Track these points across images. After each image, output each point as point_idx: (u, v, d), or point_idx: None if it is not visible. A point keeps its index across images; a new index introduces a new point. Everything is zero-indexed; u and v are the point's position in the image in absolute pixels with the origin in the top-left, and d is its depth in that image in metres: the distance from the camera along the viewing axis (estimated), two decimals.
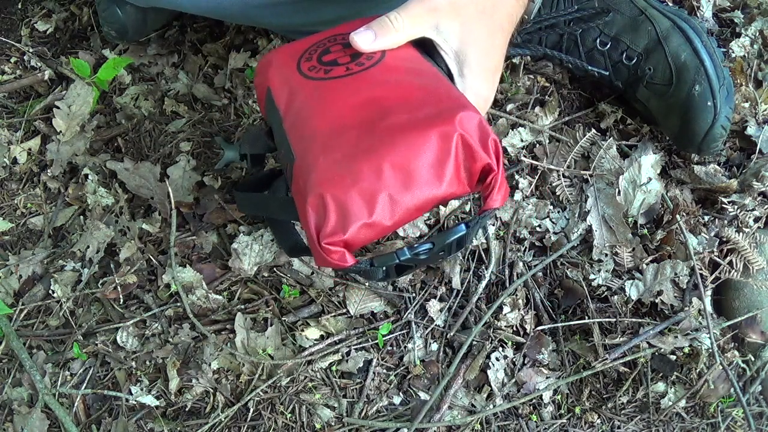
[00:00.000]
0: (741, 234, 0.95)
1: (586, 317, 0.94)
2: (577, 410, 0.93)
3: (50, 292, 0.98)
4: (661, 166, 1.00)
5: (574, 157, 1.01)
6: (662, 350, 0.92)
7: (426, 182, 0.59)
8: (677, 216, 0.95)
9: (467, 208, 0.98)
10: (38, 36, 1.20)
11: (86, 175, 1.03)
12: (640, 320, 0.93)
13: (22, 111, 1.12)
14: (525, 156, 1.01)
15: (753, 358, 0.93)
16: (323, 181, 0.58)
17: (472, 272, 0.96)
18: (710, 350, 0.90)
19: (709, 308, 0.93)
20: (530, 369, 0.93)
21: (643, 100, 0.98)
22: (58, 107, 1.08)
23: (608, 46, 0.97)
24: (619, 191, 0.97)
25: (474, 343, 0.94)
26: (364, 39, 0.67)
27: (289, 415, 0.91)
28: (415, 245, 0.63)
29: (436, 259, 0.72)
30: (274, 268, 0.97)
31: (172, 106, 1.10)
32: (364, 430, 0.91)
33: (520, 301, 0.95)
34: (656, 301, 0.93)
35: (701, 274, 0.93)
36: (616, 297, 0.94)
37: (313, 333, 0.94)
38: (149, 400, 0.92)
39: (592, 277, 0.95)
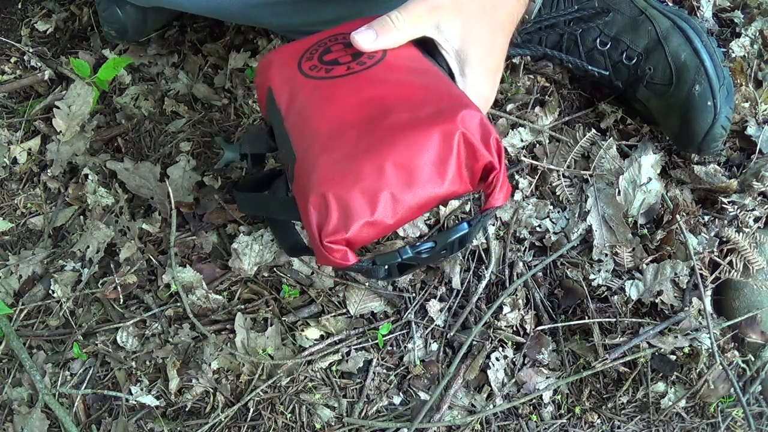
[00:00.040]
0: (741, 234, 0.95)
1: (586, 317, 0.94)
2: (577, 410, 0.93)
3: (50, 292, 0.98)
4: (661, 166, 1.00)
5: (574, 157, 1.01)
6: (662, 350, 0.92)
7: (428, 181, 0.59)
8: (677, 216, 0.95)
9: (467, 208, 0.98)
10: (38, 36, 1.20)
11: (86, 175, 1.03)
12: (640, 320, 0.93)
13: (22, 111, 1.12)
14: (525, 156, 1.02)
15: (753, 358, 0.93)
16: (325, 180, 0.58)
17: (472, 272, 0.96)
18: (710, 350, 0.90)
19: (709, 308, 0.93)
20: (530, 369, 0.93)
21: (643, 100, 0.98)
22: (58, 107, 1.08)
23: (608, 46, 0.97)
24: (619, 191, 0.97)
25: (474, 343, 0.94)
26: (366, 38, 0.67)
27: (289, 415, 0.91)
28: (418, 244, 0.63)
29: (439, 258, 0.72)
30: (274, 268, 0.97)
31: (172, 106, 1.10)
32: (364, 430, 0.91)
33: (520, 301, 0.95)
34: (656, 301, 0.93)
35: (701, 274, 0.93)
36: (616, 297, 0.94)
37: (313, 333, 0.94)
38: (149, 400, 0.92)
39: (592, 277, 0.95)
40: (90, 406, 0.95)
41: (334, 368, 0.94)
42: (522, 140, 1.02)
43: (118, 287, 0.97)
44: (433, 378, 0.93)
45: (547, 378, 0.93)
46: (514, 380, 0.93)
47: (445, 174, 0.59)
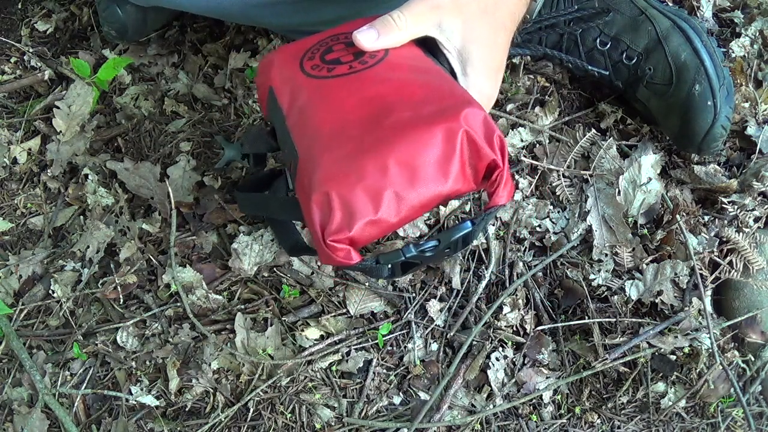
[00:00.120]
0: (741, 234, 0.95)
1: (586, 317, 0.94)
2: (577, 410, 0.93)
3: (50, 292, 0.98)
4: (661, 166, 1.00)
5: (574, 157, 1.01)
6: (662, 350, 0.92)
7: (431, 179, 0.59)
8: (677, 216, 0.95)
9: (467, 208, 0.98)
10: (38, 36, 1.20)
11: (86, 175, 1.03)
12: (640, 320, 0.93)
13: (22, 111, 1.12)
14: (525, 156, 1.02)
15: (753, 358, 0.93)
16: (328, 179, 0.58)
17: (472, 272, 0.96)
18: (710, 350, 0.90)
19: (709, 308, 0.93)
20: (530, 369, 0.93)
21: (643, 100, 0.98)
22: (58, 107, 1.08)
23: (608, 45, 0.98)
24: (619, 191, 0.97)
25: (474, 343, 0.94)
26: (367, 37, 0.67)
27: (289, 415, 0.91)
28: (421, 242, 0.63)
29: (442, 257, 0.72)
30: (274, 268, 0.97)
31: (172, 106, 1.10)
32: (364, 430, 0.91)
33: (520, 301, 0.95)
34: (656, 301, 0.93)
35: (701, 274, 0.93)
36: (616, 297, 0.94)
37: (313, 333, 0.94)
38: (149, 400, 0.92)
39: (592, 277, 0.95)
40: (90, 406, 0.95)
41: (334, 368, 0.93)
42: (522, 140, 1.02)
43: (118, 287, 0.97)
44: (433, 378, 0.93)
45: (547, 378, 0.93)
46: (514, 380, 0.93)
47: (448, 172, 0.59)
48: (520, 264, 0.97)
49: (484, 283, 0.95)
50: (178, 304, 0.95)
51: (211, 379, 0.92)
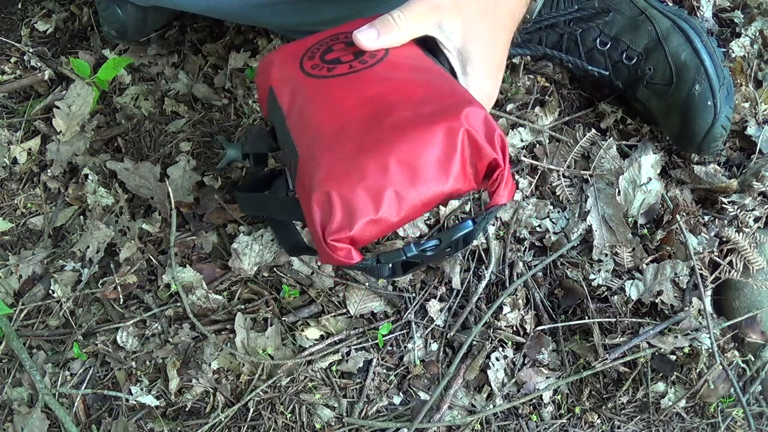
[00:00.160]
0: (741, 234, 0.95)
1: (586, 317, 0.94)
2: (577, 410, 0.93)
3: (50, 292, 0.98)
4: (661, 166, 1.00)
5: (574, 157, 1.01)
6: (662, 350, 0.92)
7: (432, 178, 0.58)
8: (677, 216, 0.95)
9: (467, 207, 0.98)
10: (38, 36, 1.20)
11: (86, 175, 1.03)
12: (640, 320, 0.93)
13: (22, 111, 1.12)
14: (525, 156, 1.02)
15: (753, 358, 0.93)
16: (328, 179, 0.58)
17: (472, 272, 0.96)
18: (710, 350, 0.90)
19: (709, 308, 0.93)
20: (530, 369, 0.93)
21: (643, 100, 0.98)
22: (58, 107, 1.08)
23: (608, 45, 0.98)
24: (619, 191, 0.97)
25: (474, 343, 0.94)
26: (367, 37, 0.67)
27: (289, 415, 0.91)
28: (422, 242, 0.63)
29: (443, 256, 0.72)
30: (274, 268, 0.97)
31: (172, 106, 1.10)
32: (364, 430, 0.91)
33: (520, 301, 0.95)
34: (656, 301, 0.93)
35: (701, 274, 0.93)
36: (616, 297, 0.94)
37: (313, 333, 0.94)
38: (149, 400, 0.92)
39: (592, 277, 0.95)
40: (90, 406, 0.95)
41: (334, 368, 0.93)
42: (522, 140, 1.02)
43: (118, 287, 0.97)
44: (433, 378, 0.93)
45: (547, 378, 0.93)
46: (514, 380, 0.93)
47: (449, 171, 0.59)
48: (520, 264, 0.97)
49: (484, 283, 0.95)
50: (178, 304, 0.95)
51: (211, 379, 0.92)
